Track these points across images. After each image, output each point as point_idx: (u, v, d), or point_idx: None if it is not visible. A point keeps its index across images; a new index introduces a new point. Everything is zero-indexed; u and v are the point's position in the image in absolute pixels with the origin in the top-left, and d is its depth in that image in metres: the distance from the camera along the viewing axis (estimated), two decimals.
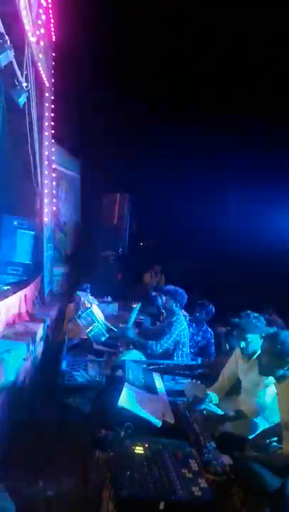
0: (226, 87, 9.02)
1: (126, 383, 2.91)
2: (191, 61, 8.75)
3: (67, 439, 2.96)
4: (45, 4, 5.50)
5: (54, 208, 6.97)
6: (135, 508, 1.77)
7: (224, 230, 9.66)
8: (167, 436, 2.41)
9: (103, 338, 4.22)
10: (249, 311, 3.21)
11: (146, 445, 2.19)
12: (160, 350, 4.35)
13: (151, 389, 3.11)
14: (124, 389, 2.77)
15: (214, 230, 9.49)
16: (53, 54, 6.47)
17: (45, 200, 6.22)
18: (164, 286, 6.30)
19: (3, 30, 3.52)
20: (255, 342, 3.07)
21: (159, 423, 2.59)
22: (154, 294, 6.52)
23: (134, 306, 6.68)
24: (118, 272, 9.00)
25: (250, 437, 2.70)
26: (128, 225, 10.27)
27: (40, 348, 4.78)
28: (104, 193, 10.06)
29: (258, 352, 3.06)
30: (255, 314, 3.18)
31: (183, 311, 4.81)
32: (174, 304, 4.61)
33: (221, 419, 2.92)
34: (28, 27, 4.35)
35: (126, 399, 2.66)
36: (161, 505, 1.78)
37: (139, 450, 2.14)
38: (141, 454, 2.11)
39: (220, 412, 3.08)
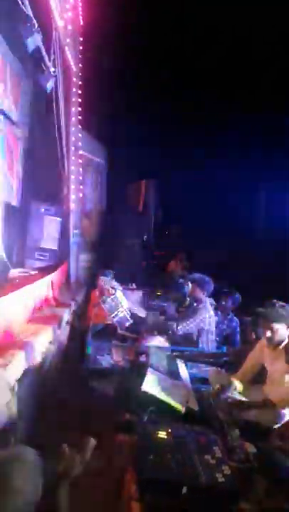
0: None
1: (149, 368, 2.91)
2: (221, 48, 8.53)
3: (91, 423, 3.00)
4: None
5: (80, 195, 7.00)
6: (157, 491, 1.78)
7: (250, 218, 9.49)
8: (191, 423, 2.41)
9: (127, 324, 4.24)
10: (275, 300, 3.15)
11: (170, 430, 2.19)
12: (180, 332, 4.33)
13: (174, 375, 3.11)
14: (147, 373, 2.78)
15: (240, 218, 9.34)
16: (81, 38, 6.42)
17: (72, 187, 6.24)
18: (189, 274, 6.25)
19: (31, 13, 3.51)
20: (281, 331, 3.01)
21: (182, 409, 2.59)
22: (181, 280, 6.49)
23: (159, 293, 6.69)
24: (143, 259, 9.00)
25: (275, 427, 2.66)
26: (154, 212, 10.22)
27: (65, 332, 4.84)
28: (130, 180, 10.02)
29: (285, 341, 3.00)
30: (281, 303, 3.12)
31: (210, 299, 4.78)
32: (201, 292, 4.58)
33: (248, 406, 2.89)
34: (55, 10, 4.32)
35: (149, 383, 2.66)
36: (184, 490, 1.78)
37: (162, 435, 2.14)
38: (164, 438, 2.11)
39: (244, 399, 3.05)
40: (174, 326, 4.38)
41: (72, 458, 1.71)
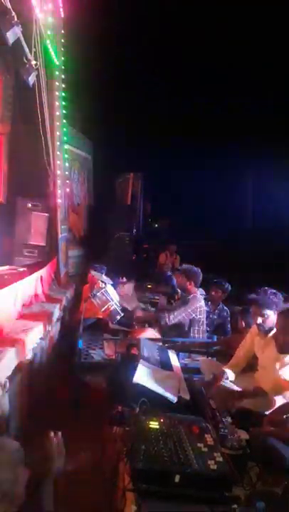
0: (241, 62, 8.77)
1: (141, 360, 2.91)
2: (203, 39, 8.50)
3: (84, 416, 3.00)
4: None
5: (67, 190, 6.94)
6: (150, 480, 1.78)
7: (238, 207, 9.54)
8: (183, 412, 2.41)
9: (118, 317, 4.23)
10: (266, 288, 3.18)
11: (162, 420, 2.19)
12: (172, 321, 4.34)
13: (166, 366, 3.11)
14: (139, 365, 2.78)
15: (228, 207, 9.37)
16: (62, 31, 6.33)
17: (58, 182, 6.19)
18: (179, 265, 6.26)
19: (9, 5, 3.44)
20: (272, 318, 3.04)
21: (174, 399, 2.59)
22: (169, 273, 6.50)
23: (150, 286, 6.69)
24: (132, 252, 8.99)
25: (266, 413, 2.68)
26: (141, 205, 10.19)
27: (56, 327, 4.83)
28: (117, 174, 9.98)
29: (274, 329, 3.03)
30: (273, 290, 3.15)
31: (200, 289, 4.79)
32: (190, 283, 4.59)
33: (239, 396, 2.91)
34: (35, 2, 4.25)
35: (141, 375, 2.66)
36: (177, 478, 1.79)
37: (154, 425, 2.14)
38: (156, 428, 2.12)
39: (236, 388, 3.07)
40: (166, 316, 4.38)
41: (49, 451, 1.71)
